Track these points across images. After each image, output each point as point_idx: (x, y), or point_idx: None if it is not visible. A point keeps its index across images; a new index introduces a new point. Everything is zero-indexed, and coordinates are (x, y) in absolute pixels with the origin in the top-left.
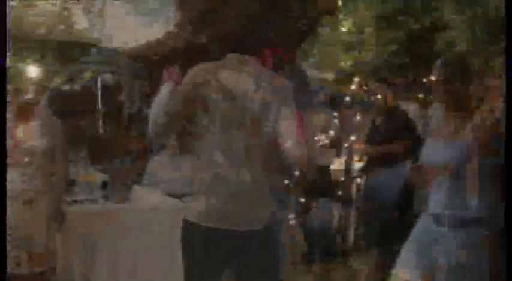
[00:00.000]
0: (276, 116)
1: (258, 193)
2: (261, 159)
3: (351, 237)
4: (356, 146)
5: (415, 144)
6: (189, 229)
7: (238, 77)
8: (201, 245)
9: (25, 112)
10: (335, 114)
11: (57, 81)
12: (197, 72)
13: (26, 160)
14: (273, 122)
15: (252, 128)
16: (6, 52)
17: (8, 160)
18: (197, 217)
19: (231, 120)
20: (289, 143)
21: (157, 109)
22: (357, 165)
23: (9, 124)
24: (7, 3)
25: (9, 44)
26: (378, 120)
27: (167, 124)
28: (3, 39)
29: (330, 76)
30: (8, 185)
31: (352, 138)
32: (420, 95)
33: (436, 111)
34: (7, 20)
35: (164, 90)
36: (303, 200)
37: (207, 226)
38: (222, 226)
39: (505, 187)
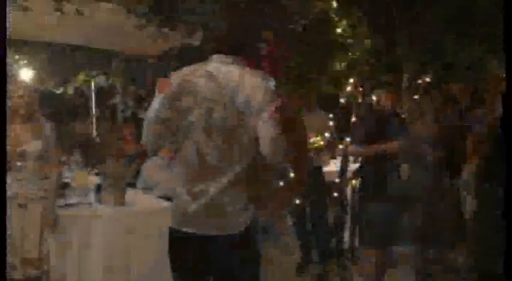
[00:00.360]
0: (257, 116)
1: (235, 196)
2: (244, 158)
3: (347, 239)
4: (351, 148)
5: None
6: (169, 233)
7: (224, 68)
8: (180, 249)
9: (18, 115)
10: (330, 115)
11: (50, 83)
12: (185, 70)
13: (19, 164)
14: (254, 120)
15: (237, 123)
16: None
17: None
18: (174, 220)
19: (216, 114)
20: (264, 143)
21: (150, 116)
22: (352, 166)
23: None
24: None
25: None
26: (372, 121)
27: (161, 128)
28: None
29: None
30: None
31: (347, 139)
32: (415, 97)
33: None
34: (7, 19)
35: (157, 99)
36: (298, 201)
37: (181, 229)
38: (196, 231)
39: (505, 185)
